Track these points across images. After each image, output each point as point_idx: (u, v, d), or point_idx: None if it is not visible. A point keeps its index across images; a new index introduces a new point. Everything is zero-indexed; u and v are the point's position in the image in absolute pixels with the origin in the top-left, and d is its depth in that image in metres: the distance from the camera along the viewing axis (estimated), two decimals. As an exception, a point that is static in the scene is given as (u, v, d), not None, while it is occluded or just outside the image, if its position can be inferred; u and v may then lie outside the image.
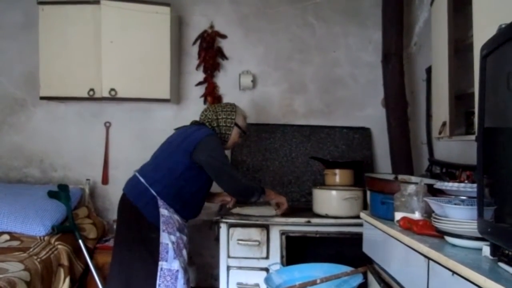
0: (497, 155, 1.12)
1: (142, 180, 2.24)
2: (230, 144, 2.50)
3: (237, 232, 2.51)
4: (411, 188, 1.74)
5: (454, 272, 1.18)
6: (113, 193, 3.23)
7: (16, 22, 3.28)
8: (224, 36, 3.28)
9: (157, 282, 2.12)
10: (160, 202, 2.20)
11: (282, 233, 2.51)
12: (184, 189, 2.26)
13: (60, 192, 2.90)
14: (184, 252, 2.27)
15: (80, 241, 2.72)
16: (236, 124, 2.45)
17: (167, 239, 2.17)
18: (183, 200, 2.28)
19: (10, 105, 3.31)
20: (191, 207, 2.36)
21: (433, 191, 1.71)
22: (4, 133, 3.31)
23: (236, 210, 2.63)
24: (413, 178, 2.24)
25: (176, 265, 2.17)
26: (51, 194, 2.89)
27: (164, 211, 2.19)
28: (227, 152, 2.97)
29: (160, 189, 2.21)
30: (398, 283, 1.67)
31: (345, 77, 3.32)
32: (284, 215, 2.55)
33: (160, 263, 2.14)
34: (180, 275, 2.17)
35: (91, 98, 2.96)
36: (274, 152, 3.20)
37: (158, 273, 2.13)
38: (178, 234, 2.24)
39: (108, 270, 2.35)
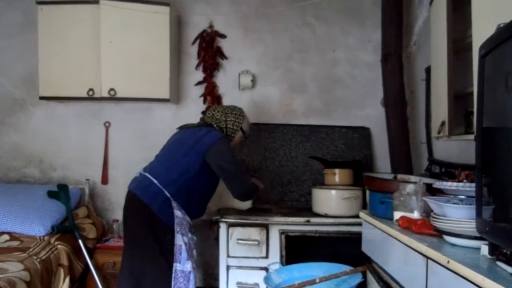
0: (495, 154, 1.12)
1: (155, 181, 2.23)
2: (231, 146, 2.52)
3: (237, 232, 2.51)
4: (410, 188, 1.75)
5: (452, 271, 1.18)
6: (113, 193, 3.23)
7: (15, 22, 3.27)
8: (223, 36, 3.28)
9: (172, 283, 2.13)
10: (174, 204, 2.21)
11: (282, 232, 2.52)
12: (196, 190, 2.29)
13: (60, 192, 2.90)
14: (194, 252, 2.29)
15: (80, 241, 2.72)
16: (241, 129, 2.48)
17: (180, 240, 2.18)
18: (194, 201, 2.30)
19: (10, 105, 3.30)
20: (200, 208, 2.39)
21: (432, 191, 1.72)
22: (4, 133, 3.30)
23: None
24: (412, 178, 2.24)
25: (188, 266, 2.18)
26: (51, 194, 2.88)
27: (177, 212, 2.20)
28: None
29: (174, 191, 2.22)
30: (397, 282, 1.67)
31: (344, 77, 3.32)
32: (283, 214, 2.56)
33: (174, 264, 2.15)
34: (192, 276, 2.18)
35: (91, 98, 2.96)
36: (274, 152, 3.20)
37: (173, 275, 2.14)
38: (190, 235, 2.26)
39: (118, 272, 2.33)
